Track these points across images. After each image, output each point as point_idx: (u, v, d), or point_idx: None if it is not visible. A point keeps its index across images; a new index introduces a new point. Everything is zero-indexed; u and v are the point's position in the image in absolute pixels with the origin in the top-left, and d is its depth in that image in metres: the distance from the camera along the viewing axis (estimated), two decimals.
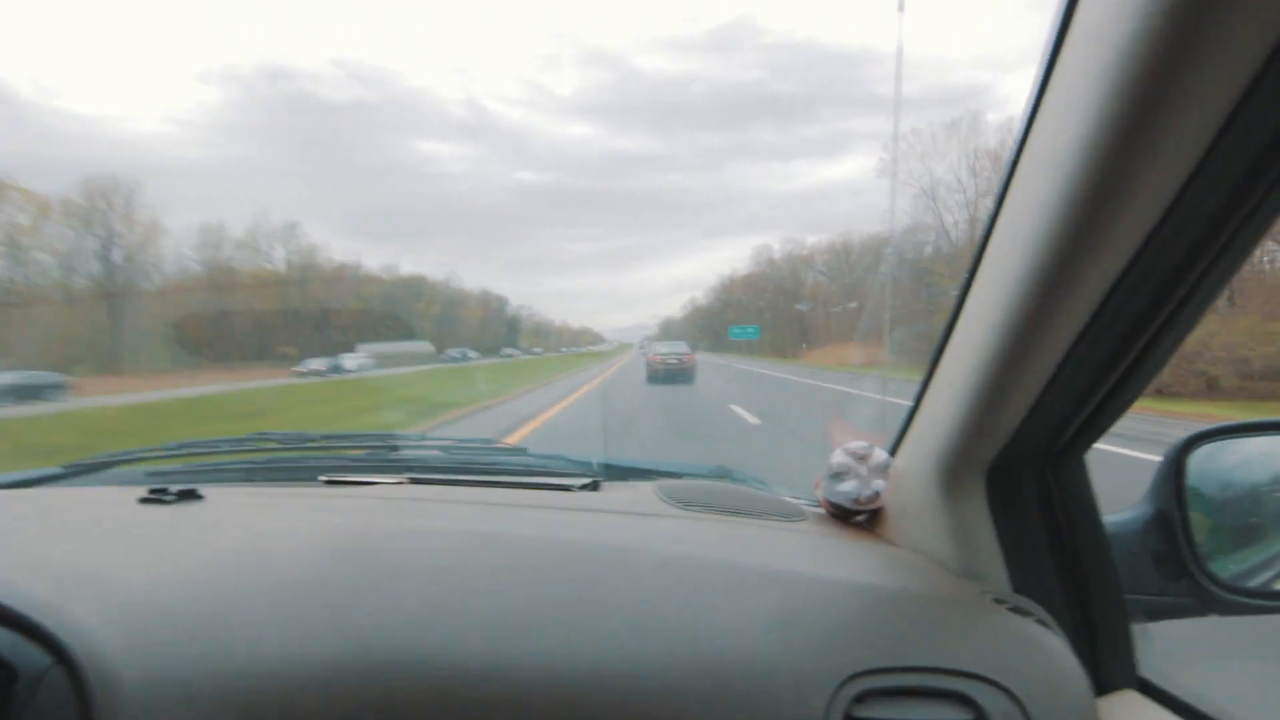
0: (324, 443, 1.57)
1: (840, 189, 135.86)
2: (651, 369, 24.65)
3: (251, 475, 1.39)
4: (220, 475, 1.40)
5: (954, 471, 0.91)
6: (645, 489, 1.25)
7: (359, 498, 1.18)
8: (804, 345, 73.25)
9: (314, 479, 1.33)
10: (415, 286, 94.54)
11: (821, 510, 1.18)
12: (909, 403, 1.01)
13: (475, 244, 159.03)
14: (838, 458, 1.10)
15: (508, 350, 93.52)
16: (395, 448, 1.56)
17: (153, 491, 1.13)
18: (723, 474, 1.44)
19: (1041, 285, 0.69)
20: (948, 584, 0.88)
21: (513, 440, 7.64)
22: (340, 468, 1.39)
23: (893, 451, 1.09)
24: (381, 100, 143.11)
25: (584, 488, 1.25)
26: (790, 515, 1.14)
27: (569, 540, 0.95)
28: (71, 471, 1.45)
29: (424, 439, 1.69)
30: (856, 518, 1.13)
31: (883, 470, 1.07)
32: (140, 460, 1.53)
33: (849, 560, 0.94)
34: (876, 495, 1.07)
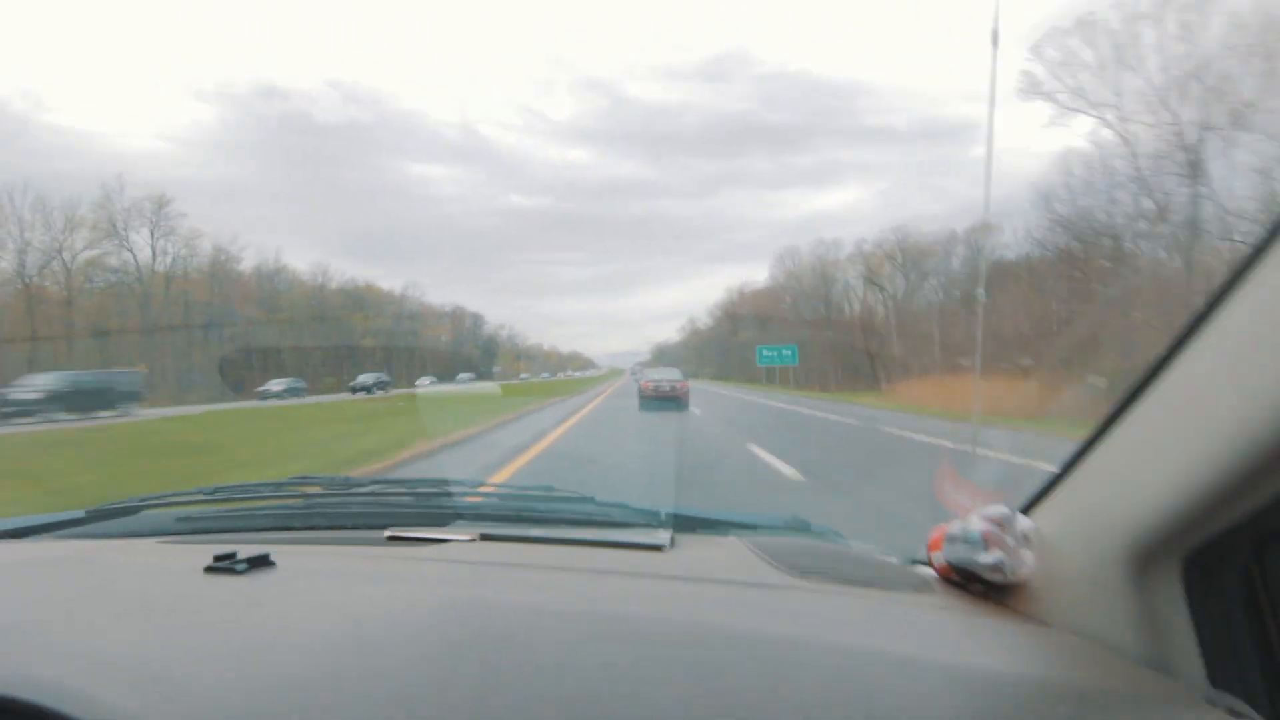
0: (373, 488, 1.53)
1: (831, 219, 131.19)
2: (643, 395, 24.26)
3: (292, 522, 1.29)
4: (258, 521, 1.32)
5: (1149, 547, 0.79)
6: (735, 547, 1.22)
7: (437, 560, 1.12)
8: (879, 378, 55.85)
9: (371, 531, 1.27)
10: (357, 296, 77.12)
11: (934, 573, 1.10)
12: (1001, 455, 0.69)
13: (466, 266, 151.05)
14: (978, 524, 1.00)
15: (464, 376, 76.51)
16: (449, 494, 1.49)
17: (219, 559, 1.02)
18: (800, 526, 1.41)
19: None
20: (1134, 675, 0.79)
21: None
22: (396, 518, 1.32)
23: (1025, 512, 1.00)
24: (376, 122, 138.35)
25: (659, 546, 1.19)
26: (917, 585, 1.06)
27: (682, 621, 0.86)
28: (96, 516, 1.37)
29: (480, 484, 1.67)
30: (981, 587, 1.03)
31: (1027, 540, 0.98)
32: (170, 504, 1.46)
33: (1022, 649, 0.85)
34: (1024, 568, 0.97)
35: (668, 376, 25.44)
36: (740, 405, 28.41)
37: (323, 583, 1.00)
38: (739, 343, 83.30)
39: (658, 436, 14.45)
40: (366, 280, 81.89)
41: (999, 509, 1.00)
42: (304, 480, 1.56)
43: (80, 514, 1.39)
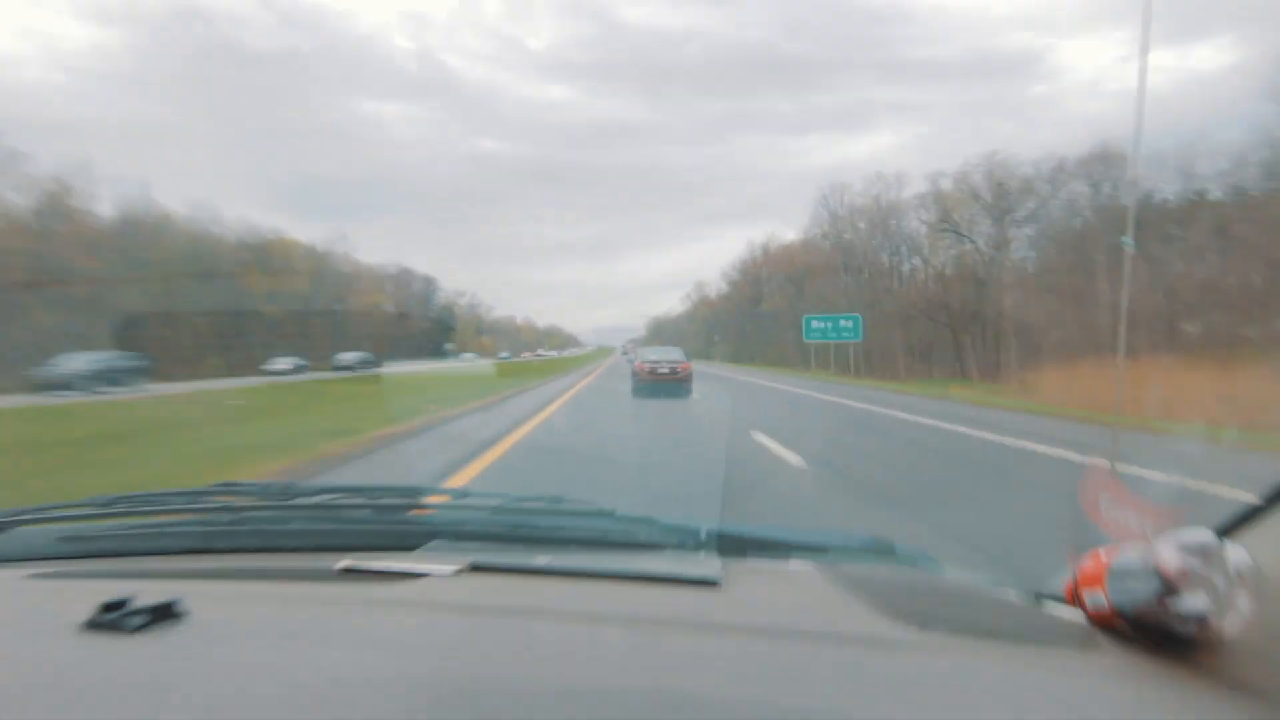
0: (321, 498, 1.27)
1: (861, 169, 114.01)
2: (638, 379, 20.73)
3: (214, 543, 1.06)
4: (169, 541, 1.10)
5: None
6: (809, 580, 1.01)
7: (409, 605, 0.90)
8: (966, 361, 38.02)
9: (320, 557, 1.02)
10: (260, 251, 58.45)
11: (1083, 619, 0.87)
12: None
13: (425, 225, 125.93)
14: (1171, 556, 0.76)
15: (343, 359, 49.88)
16: (424, 505, 1.25)
17: (107, 608, 0.79)
18: (883, 548, 1.18)
19: None
20: None
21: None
22: (353, 539, 1.09)
23: (1224, 537, 0.79)
24: (318, 50, 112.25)
25: (711, 581, 0.96)
26: (1073, 638, 0.84)
27: (756, 701, 0.67)
28: None
29: (466, 494, 1.41)
30: (1150, 638, 0.80)
31: (1241, 579, 0.75)
32: (51, 519, 1.24)
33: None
34: (1239, 618, 0.75)
35: (666, 357, 21.80)
36: (809, 408, 17.90)
37: (248, 646, 0.78)
38: (765, 313, 64.93)
39: (684, 441, 10.58)
40: (277, 231, 63.10)
41: (1199, 535, 0.77)
42: (230, 488, 1.32)
43: None
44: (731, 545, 1.15)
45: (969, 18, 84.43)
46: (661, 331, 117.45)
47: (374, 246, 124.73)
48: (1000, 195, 45.03)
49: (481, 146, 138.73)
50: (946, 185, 47.48)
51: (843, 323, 40.15)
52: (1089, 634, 0.84)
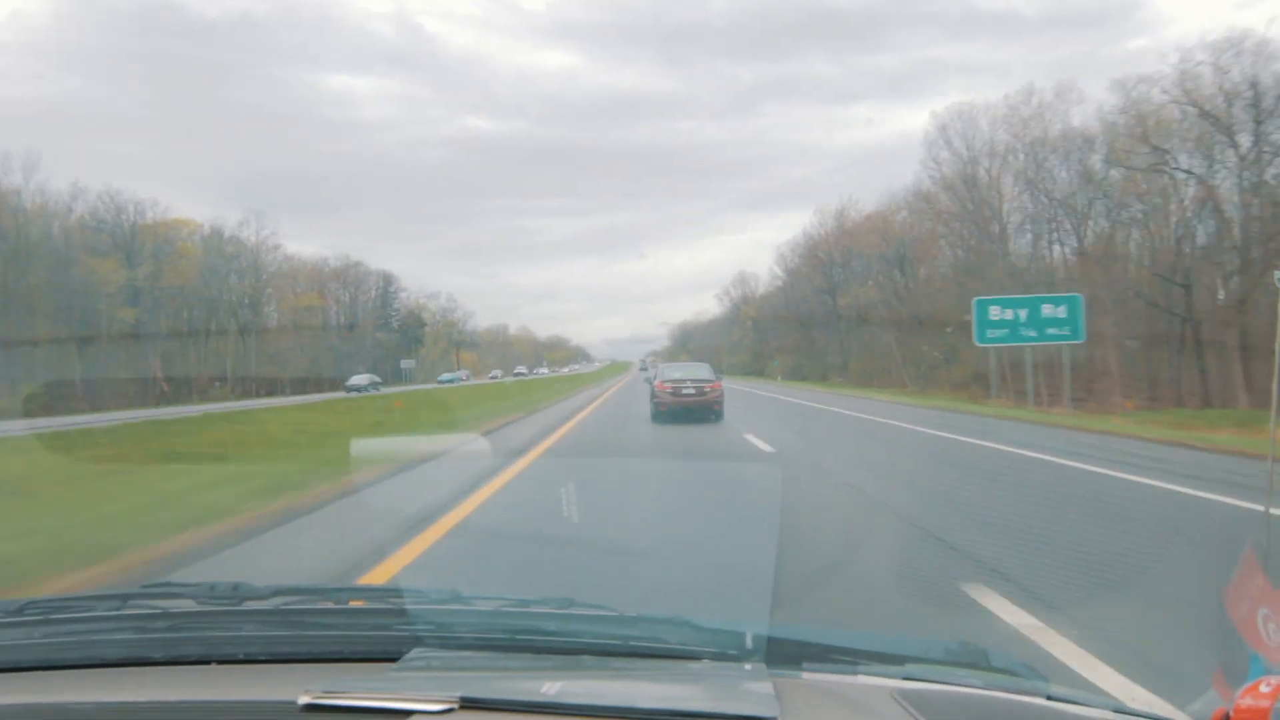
0: (276, 601, 1.07)
1: (913, 144, 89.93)
2: (659, 403, 17.46)
3: (150, 653, 0.91)
4: (98, 651, 0.93)
5: None
6: (883, 700, 0.85)
7: None
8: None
9: (277, 675, 0.90)
10: (119, 237, 40.87)
11: None
12: None
13: (403, 220, 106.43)
14: None
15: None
16: (404, 612, 1.04)
17: None
18: (975, 658, 1.03)
19: None
20: None
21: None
22: (316, 649, 0.95)
23: None
24: (275, 16, 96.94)
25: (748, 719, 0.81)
26: None
27: None
28: None
29: (455, 598, 1.12)
30: None
31: None
32: None
33: None
34: None
35: (692, 375, 18.32)
36: None
37: None
38: (846, 310, 46.35)
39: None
40: (158, 207, 45.10)
41: None
42: (166, 588, 1.12)
43: None
44: (784, 654, 0.96)
45: None
46: (690, 342, 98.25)
47: (343, 244, 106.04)
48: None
49: (469, 125, 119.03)
50: (1151, 96, 28.65)
51: (1046, 310, 21.79)
52: None
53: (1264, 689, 0.71)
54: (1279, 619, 0.74)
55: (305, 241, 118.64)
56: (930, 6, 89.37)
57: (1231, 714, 0.73)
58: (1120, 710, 0.87)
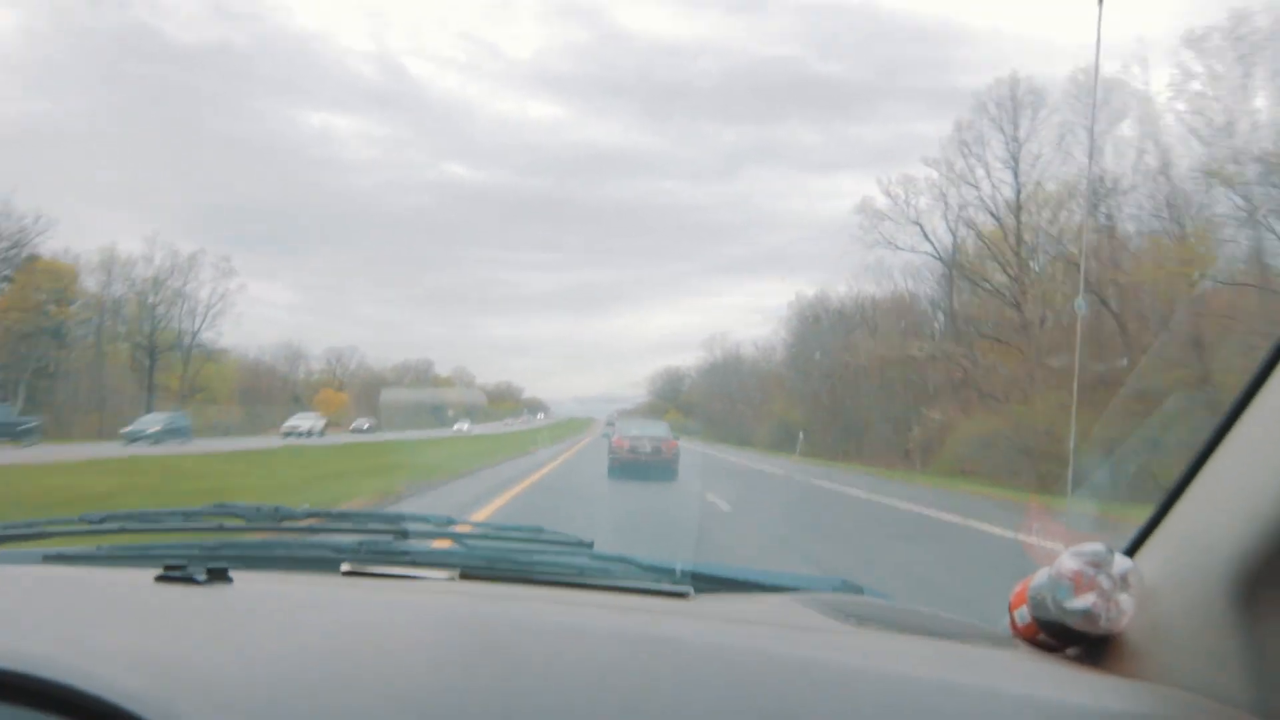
0: (310, 521, 1.34)
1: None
2: (616, 457, 18.54)
3: (209, 563, 1.06)
4: (163, 558, 1.07)
5: (1257, 583, 0.72)
6: (773, 601, 1.12)
7: (413, 592, 1.03)
8: None
9: (329, 569, 1.13)
10: None
11: (1021, 639, 0.96)
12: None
13: (378, 264, 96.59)
14: (1068, 563, 0.89)
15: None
16: (406, 534, 1.30)
17: (169, 568, 0.94)
18: (852, 588, 1.27)
19: None
20: None
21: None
22: (342, 559, 1.15)
23: (1127, 555, 0.90)
24: (254, 47, 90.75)
25: (683, 594, 1.08)
26: (991, 638, 0.97)
27: (732, 648, 0.80)
28: None
29: (448, 522, 1.40)
30: (1070, 647, 0.91)
31: (1126, 582, 0.86)
32: (40, 535, 1.24)
33: (1101, 692, 0.77)
34: (1123, 615, 0.85)
35: (649, 432, 19.58)
36: None
37: (290, 602, 0.92)
38: (868, 367, 35.62)
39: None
40: None
41: (1092, 547, 0.89)
42: (223, 509, 1.32)
43: None
44: (709, 583, 1.17)
45: (1035, 41, 61.92)
46: (666, 404, 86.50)
47: (312, 284, 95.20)
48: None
49: (449, 172, 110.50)
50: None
51: None
52: (1009, 639, 0.95)
53: (1031, 579, 0.92)
54: (1049, 532, 0.89)
55: (273, 280, 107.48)
56: (913, 80, 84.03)
57: (1010, 602, 0.94)
58: (958, 616, 1.08)
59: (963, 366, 29.67)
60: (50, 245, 39.24)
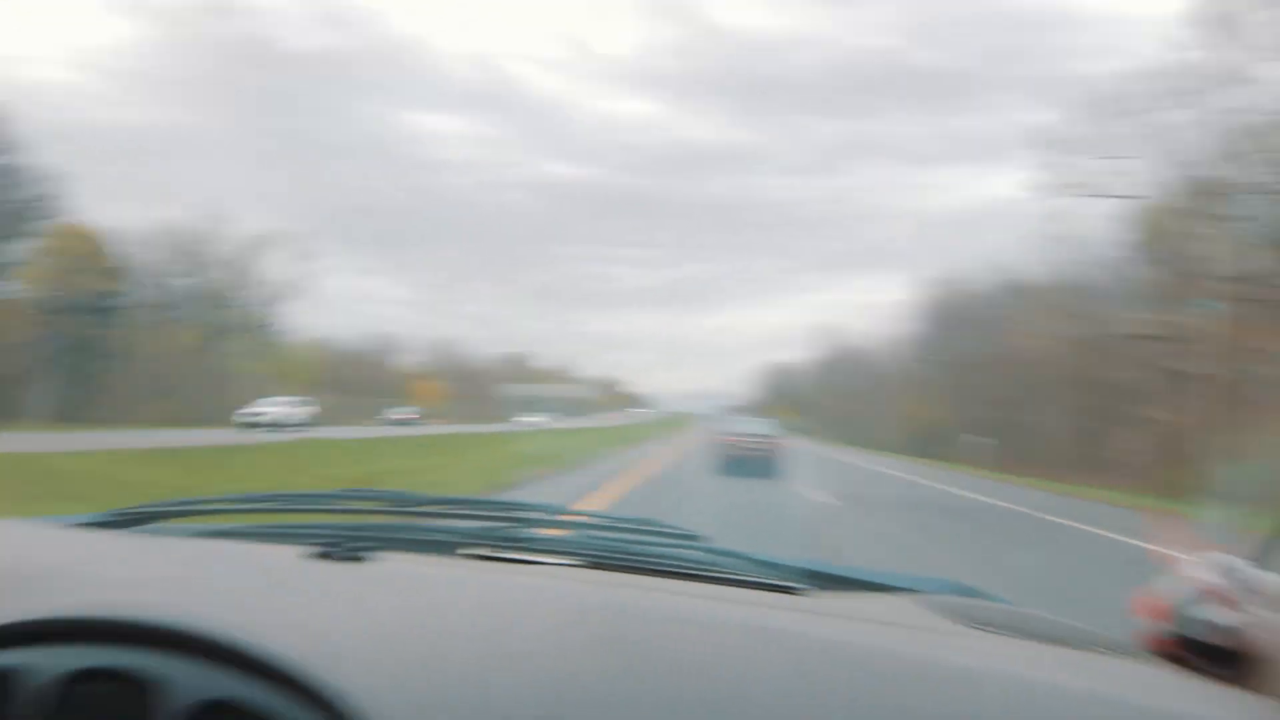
0: (433, 507, 1.44)
1: (1006, 212, 78.26)
2: (727, 456, 18.59)
3: (342, 543, 1.10)
4: (301, 539, 1.12)
5: None
6: (888, 601, 1.12)
7: (539, 576, 1.06)
8: None
9: (440, 552, 1.17)
10: None
11: (1150, 651, 0.94)
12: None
13: (480, 262, 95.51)
14: (1199, 572, 0.88)
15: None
16: (525, 521, 1.35)
17: (317, 545, 0.99)
18: (969, 591, 1.27)
19: None
20: None
21: None
22: (467, 542, 1.19)
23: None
24: (361, 51, 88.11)
25: (798, 590, 1.06)
26: (1117, 648, 0.93)
27: (852, 645, 0.81)
28: (118, 520, 1.23)
29: (562, 510, 1.50)
30: (1205, 662, 0.86)
31: (1268, 596, 0.84)
32: (193, 512, 1.34)
33: (1231, 709, 0.75)
34: (1258, 630, 0.82)
35: (753, 430, 19.57)
36: None
37: (427, 582, 0.97)
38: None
39: None
40: None
41: (1226, 558, 0.88)
42: (356, 494, 1.42)
43: (105, 516, 1.23)
44: (825, 581, 1.17)
45: (1147, 20, 54.94)
46: (783, 396, 79.42)
47: (418, 282, 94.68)
48: None
49: (547, 171, 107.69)
50: None
51: None
52: (1137, 650, 0.92)
53: (1160, 589, 0.90)
54: (1182, 543, 0.89)
55: (386, 276, 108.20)
56: (1021, 69, 76.14)
57: (1135, 608, 0.92)
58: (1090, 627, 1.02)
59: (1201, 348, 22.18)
60: None
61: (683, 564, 1.17)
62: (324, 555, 0.95)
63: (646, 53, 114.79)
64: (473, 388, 72.76)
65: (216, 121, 76.19)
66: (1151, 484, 19.80)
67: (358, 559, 0.95)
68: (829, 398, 64.47)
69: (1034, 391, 31.81)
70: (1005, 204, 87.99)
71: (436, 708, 0.62)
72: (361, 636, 0.72)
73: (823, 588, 1.13)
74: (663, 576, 1.10)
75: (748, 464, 17.93)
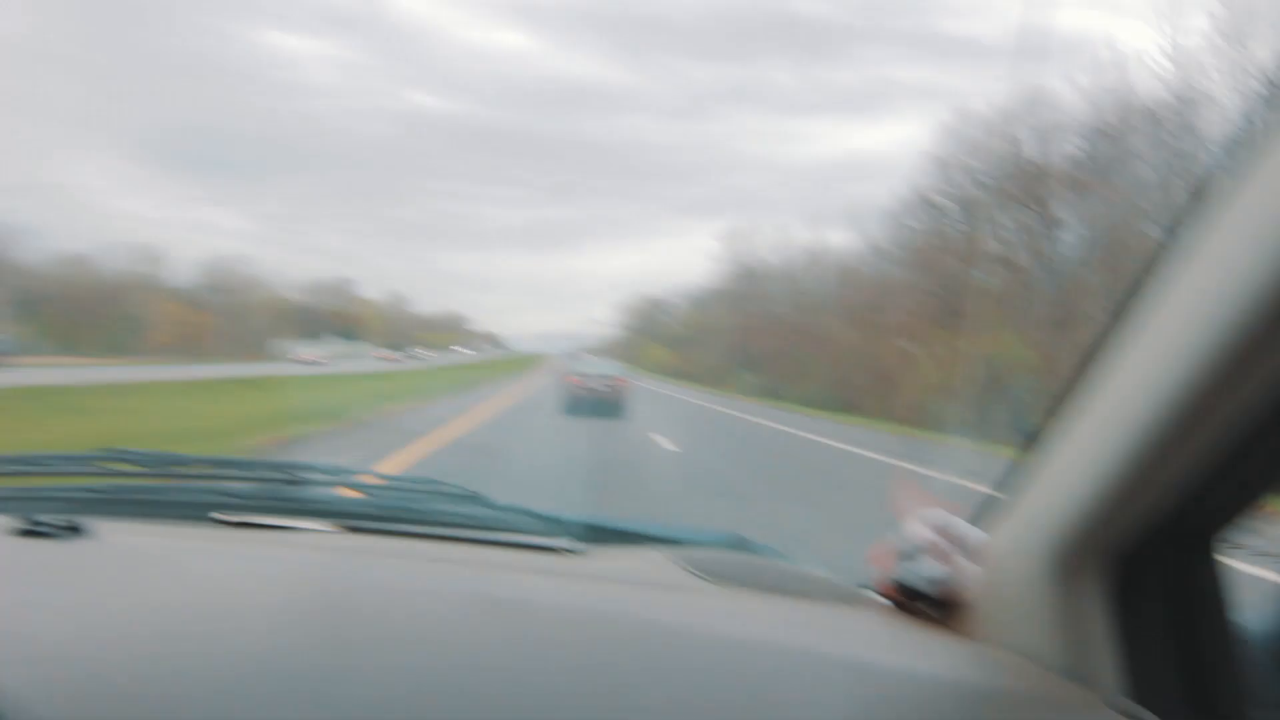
0: (200, 469, 1.34)
1: (872, 166, 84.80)
2: (571, 395, 19.24)
3: (94, 508, 1.11)
4: (51, 505, 1.10)
5: (1071, 555, 0.80)
6: (652, 556, 1.13)
7: (284, 545, 1.05)
8: None
9: (202, 517, 1.13)
10: None
11: (880, 597, 1.03)
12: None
13: (339, 195, 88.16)
14: (917, 531, 0.97)
15: None
16: (298, 481, 1.30)
17: (34, 522, 0.93)
18: (738, 543, 1.28)
19: (1261, 321, 0.56)
20: (1053, 685, 0.79)
21: None
22: (233, 505, 1.15)
23: (980, 528, 0.96)
24: None
25: (565, 550, 1.10)
26: (847, 598, 1.04)
27: (590, 610, 0.85)
28: None
29: (342, 471, 1.46)
30: (924, 607, 0.97)
31: (972, 551, 0.93)
32: None
33: (934, 654, 0.86)
34: (963, 581, 0.92)
35: (600, 370, 20.67)
36: None
37: (149, 555, 0.93)
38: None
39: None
40: None
41: (944, 516, 0.96)
42: (113, 454, 1.31)
43: None
44: (597, 535, 1.19)
45: None
46: (654, 334, 75.52)
47: (267, 214, 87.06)
48: None
49: (413, 100, 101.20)
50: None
51: None
52: (867, 599, 1.01)
53: (889, 541, 0.98)
54: (913, 498, 0.99)
55: (228, 206, 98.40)
56: (896, 23, 78.98)
57: (870, 557, 1.00)
58: (829, 574, 1.12)
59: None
60: None
61: (460, 521, 1.16)
62: (29, 531, 0.89)
63: None
64: (262, 318, 61.45)
65: (52, 35, 65.50)
66: (913, 415, 22.76)
67: (76, 534, 0.90)
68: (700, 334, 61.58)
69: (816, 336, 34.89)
70: (862, 156, 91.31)
71: (97, 699, 0.59)
72: (40, 629, 0.67)
73: (602, 542, 1.17)
74: (430, 540, 1.09)
75: (592, 404, 18.41)
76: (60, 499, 1.14)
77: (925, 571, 0.93)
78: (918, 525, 0.96)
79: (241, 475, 1.36)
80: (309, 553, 1.00)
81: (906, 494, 1.03)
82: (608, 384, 19.48)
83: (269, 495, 1.22)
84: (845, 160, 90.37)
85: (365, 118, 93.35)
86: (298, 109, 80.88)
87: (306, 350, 51.23)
